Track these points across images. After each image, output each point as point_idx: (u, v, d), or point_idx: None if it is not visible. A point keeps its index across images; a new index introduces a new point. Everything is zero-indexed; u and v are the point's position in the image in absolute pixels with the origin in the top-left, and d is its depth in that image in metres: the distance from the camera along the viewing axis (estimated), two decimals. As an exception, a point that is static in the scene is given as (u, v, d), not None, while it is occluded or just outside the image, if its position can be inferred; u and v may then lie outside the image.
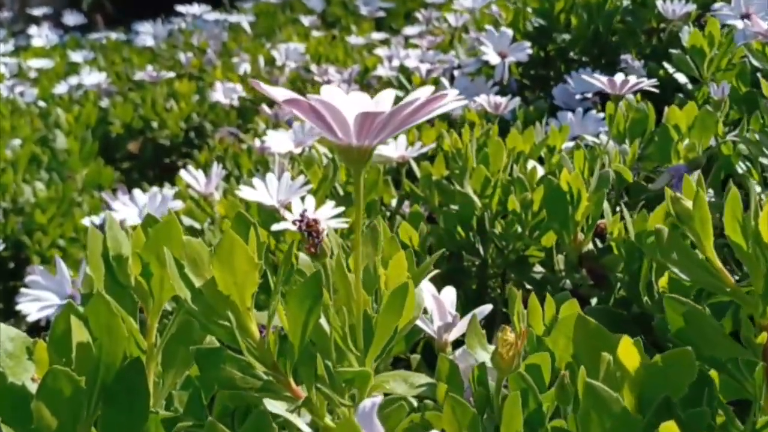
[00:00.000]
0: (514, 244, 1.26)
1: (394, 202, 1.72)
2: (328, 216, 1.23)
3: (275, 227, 1.17)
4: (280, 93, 0.55)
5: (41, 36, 4.47)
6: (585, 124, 1.78)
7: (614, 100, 1.43)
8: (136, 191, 1.72)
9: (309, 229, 0.70)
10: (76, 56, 3.86)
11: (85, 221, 1.71)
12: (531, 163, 1.39)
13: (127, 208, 1.67)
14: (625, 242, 1.14)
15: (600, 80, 1.39)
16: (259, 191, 1.26)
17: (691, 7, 1.98)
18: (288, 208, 1.24)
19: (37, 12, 5.00)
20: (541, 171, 1.38)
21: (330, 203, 1.26)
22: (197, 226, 1.64)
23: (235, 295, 0.70)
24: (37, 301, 1.23)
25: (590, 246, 1.25)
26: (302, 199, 1.24)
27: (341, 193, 1.53)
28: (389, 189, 1.74)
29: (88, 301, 0.80)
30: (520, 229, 1.26)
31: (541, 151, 1.48)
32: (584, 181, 1.20)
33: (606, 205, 1.22)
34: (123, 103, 3.18)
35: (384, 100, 0.65)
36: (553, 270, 1.26)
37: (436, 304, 0.92)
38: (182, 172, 1.64)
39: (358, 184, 0.62)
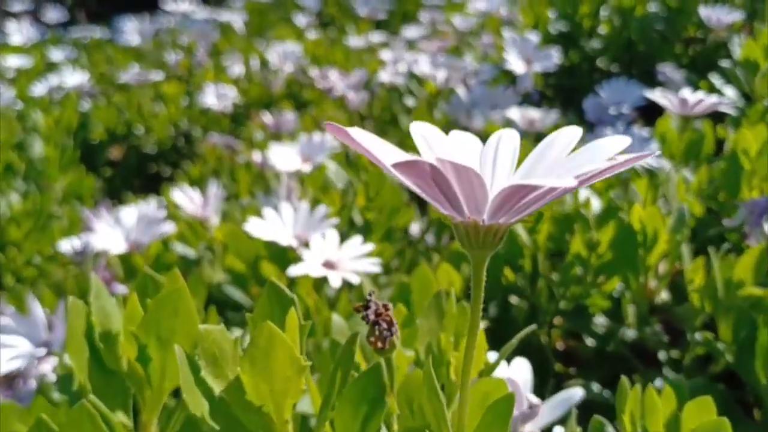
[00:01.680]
0: (572, 290, 1.07)
1: (414, 227, 1.53)
2: (355, 255, 1.03)
3: (293, 271, 0.97)
4: (384, 151, 0.36)
5: (20, 33, 4.22)
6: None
7: (682, 123, 1.24)
8: (122, 211, 1.51)
9: (379, 319, 0.50)
10: (56, 55, 3.62)
11: (63, 246, 1.50)
12: (584, 192, 1.20)
13: (111, 231, 1.46)
14: (724, 299, 0.95)
15: (668, 98, 1.20)
16: (271, 225, 1.05)
17: (738, 16, 1.80)
18: (306, 243, 1.05)
19: (16, 7, 4.75)
20: (595, 202, 1.20)
21: (356, 239, 1.06)
22: (191, 254, 1.43)
23: (271, 406, 0.50)
24: (7, 349, 1.03)
25: (664, 295, 1.06)
26: (323, 234, 1.04)
27: (359, 220, 1.33)
28: (410, 211, 1.55)
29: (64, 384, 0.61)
30: (580, 273, 1.06)
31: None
32: (662, 219, 1.01)
33: (685, 247, 1.03)
34: (106, 106, 2.96)
35: (505, 151, 0.46)
36: (617, 321, 1.08)
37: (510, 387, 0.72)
38: (175, 193, 1.43)
39: (479, 276, 0.42)
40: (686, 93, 1.23)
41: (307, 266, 0.98)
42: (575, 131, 0.46)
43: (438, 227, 1.43)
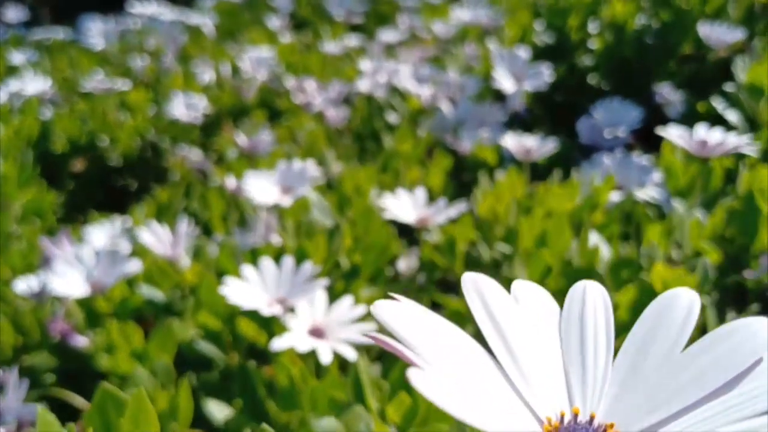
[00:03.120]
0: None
1: (402, 264, 1.42)
2: (346, 319, 0.92)
3: (277, 345, 0.86)
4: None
5: (-23, 31, 4.01)
6: (627, 172, 1.50)
7: (701, 162, 1.15)
8: (83, 248, 1.38)
9: None
10: (17, 57, 3.44)
11: (19, 286, 1.36)
12: (594, 238, 1.10)
13: (72, 271, 1.33)
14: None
15: (685, 139, 1.10)
16: (251, 287, 0.94)
17: (739, 35, 1.72)
18: (290, 308, 0.93)
19: (-26, 3, 4.52)
20: (604, 249, 1.10)
21: (347, 300, 0.94)
22: (159, 298, 1.30)
23: None
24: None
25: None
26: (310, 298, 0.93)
27: (346, 264, 1.22)
28: (397, 245, 1.44)
29: None
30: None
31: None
32: (686, 279, 0.92)
33: (710, 312, 0.94)
34: (69, 114, 2.80)
35: (596, 327, 0.35)
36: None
37: None
38: (143, 234, 1.30)
39: None
40: (703, 132, 1.13)
41: (293, 338, 0.87)
42: (688, 308, 0.35)
43: (430, 267, 1.32)
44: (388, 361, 1.05)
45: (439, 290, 1.32)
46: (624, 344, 0.35)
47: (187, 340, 1.11)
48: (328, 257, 1.14)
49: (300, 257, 1.09)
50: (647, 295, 0.92)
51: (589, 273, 1.01)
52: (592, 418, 0.32)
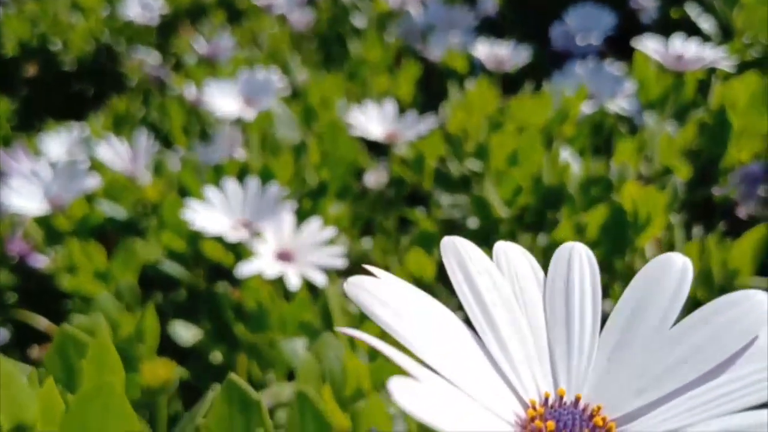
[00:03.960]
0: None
1: (369, 178, 1.40)
2: (315, 242, 0.90)
3: (244, 270, 0.84)
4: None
5: None
6: (599, 81, 1.47)
7: (675, 75, 1.12)
8: (41, 164, 1.33)
9: None
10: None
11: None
12: (565, 154, 1.09)
13: (29, 186, 1.29)
14: (720, 287, 0.87)
15: (660, 53, 1.07)
16: (215, 211, 0.91)
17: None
18: (256, 231, 0.91)
19: None
20: (575, 165, 1.08)
21: (315, 222, 0.92)
22: (121, 214, 1.26)
23: None
24: None
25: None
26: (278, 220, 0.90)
27: (313, 180, 1.19)
28: (365, 159, 1.41)
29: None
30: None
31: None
32: (656, 200, 0.91)
33: (678, 231, 0.94)
34: (18, 16, 2.64)
35: (582, 298, 0.33)
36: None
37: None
38: (101, 150, 1.25)
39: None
40: (679, 45, 1.10)
41: (261, 263, 0.85)
42: (680, 277, 0.33)
43: (399, 182, 1.30)
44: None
45: (407, 205, 1.31)
46: (611, 315, 0.33)
47: (151, 260, 1.09)
48: (294, 175, 1.11)
49: (265, 176, 1.06)
50: (617, 215, 0.91)
51: (559, 191, 1.00)
52: (577, 400, 0.31)
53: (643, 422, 0.28)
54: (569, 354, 0.32)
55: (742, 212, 1.06)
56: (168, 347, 0.98)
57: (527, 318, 0.32)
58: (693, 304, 1.02)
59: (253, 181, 0.94)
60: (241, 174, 1.19)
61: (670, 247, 0.96)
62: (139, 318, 0.95)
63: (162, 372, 0.79)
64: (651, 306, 0.32)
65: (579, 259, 0.34)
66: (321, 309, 0.80)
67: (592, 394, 0.31)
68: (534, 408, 0.29)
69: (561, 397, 0.30)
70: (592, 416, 0.29)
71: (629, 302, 0.33)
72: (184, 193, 1.23)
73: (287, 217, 0.91)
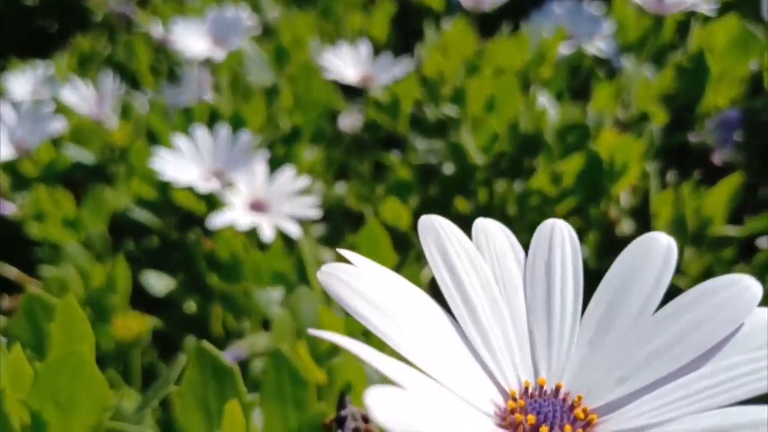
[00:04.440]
0: (527, 221, 0.97)
1: (344, 122, 1.37)
2: (289, 191, 0.88)
3: (216, 222, 0.82)
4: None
5: None
6: (577, 22, 1.44)
7: (655, 18, 1.10)
8: (5, 106, 1.29)
9: None
10: None
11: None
12: (542, 99, 1.07)
13: (-9, 130, 1.25)
14: (693, 234, 0.88)
15: (642, -4, 1.05)
16: (185, 159, 0.88)
17: None
18: (228, 182, 0.89)
19: None
20: (551, 108, 1.07)
21: (288, 171, 0.91)
22: (88, 159, 1.23)
23: None
24: None
25: (626, 226, 0.98)
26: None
27: (286, 127, 1.16)
28: (339, 102, 1.39)
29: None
30: (535, 203, 0.96)
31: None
32: (633, 148, 0.91)
33: (653, 180, 0.94)
34: (-30, -55, 2.52)
35: (564, 281, 0.32)
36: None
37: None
38: (66, 93, 1.21)
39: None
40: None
41: (234, 214, 0.83)
42: (664, 259, 0.32)
43: (374, 126, 1.28)
44: (333, 237, 1.04)
45: (382, 149, 1.29)
46: (593, 298, 0.32)
47: (121, 208, 1.06)
48: (267, 120, 1.08)
49: (237, 121, 1.03)
50: (594, 163, 0.91)
51: (536, 139, 0.99)
52: (557, 389, 0.30)
53: (624, 413, 0.28)
54: (550, 339, 0.31)
55: (717, 159, 1.06)
56: (140, 297, 0.97)
57: (507, 301, 0.31)
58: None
59: (223, 129, 0.91)
60: (211, 118, 1.16)
61: (645, 195, 0.96)
62: (110, 268, 0.93)
63: (134, 325, 0.79)
64: (633, 290, 0.31)
65: (561, 239, 0.33)
66: (296, 261, 0.79)
67: (572, 382, 0.30)
68: (514, 399, 0.28)
69: (541, 387, 0.30)
70: (573, 407, 0.28)
71: (612, 285, 0.32)
72: (152, 137, 1.20)
73: (260, 167, 0.89)
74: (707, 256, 0.92)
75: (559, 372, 0.30)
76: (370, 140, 1.29)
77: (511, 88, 1.02)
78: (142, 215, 1.07)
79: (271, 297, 0.88)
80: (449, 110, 1.09)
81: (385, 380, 0.54)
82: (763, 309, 0.29)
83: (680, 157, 1.13)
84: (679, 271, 0.96)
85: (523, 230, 1.00)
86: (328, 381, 0.67)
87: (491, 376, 0.29)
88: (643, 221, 0.97)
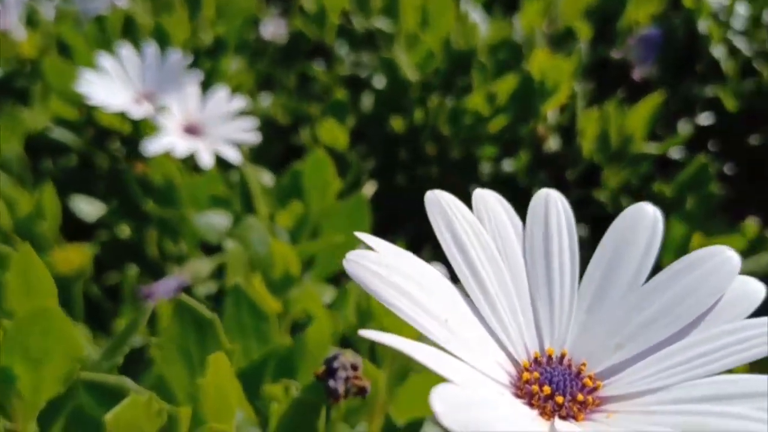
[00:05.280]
0: (460, 139, 0.99)
1: (266, 30, 1.32)
2: (225, 114, 0.86)
3: (151, 148, 0.80)
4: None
5: None
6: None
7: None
8: None
9: (349, 388, 0.40)
10: None
11: None
12: (474, 14, 1.07)
13: None
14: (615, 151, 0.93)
15: None
16: (112, 82, 0.84)
17: None
18: (159, 105, 0.85)
19: None
20: (482, 24, 1.08)
21: (222, 91, 0.88)
22: (-5, 73, 1.14)
23: None
24: None
25: (553, 143, 1.01)
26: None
27: (209, 39, 1.11)
28: (262, 9, 1.34)
29: None
30: (469, 122, 0.98)
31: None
32: (564, 68, 0.93)
33: (580, 100, 0.97)
34: None
35: (560, 244, 0.34)
36: (506, 169, 1.03)
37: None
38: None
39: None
40: None
41: (169, 139, 0.81)
42: (652, 230, 0.34)
43: (300, 37, 1.24)
44: (262, 153, 1.03)
45: (309, 60, 1.26)
46: (589, 267, 0.34)
47: (38, 128, 1.01)
48: (191, 34, 1.03)
49: (159, 35, 0.98)
50: (527, 84, 0.93)
51: (469, 56, 1.00)
52: (563, 356, 0.33)
53: (622, 379, 0.31)
54: (551, 307, 0.33)
55: (637, 75, 1.10)
56: (71, 224, 0.94)
57: (510, 272, 0.33)
58: (590, 167, 1.08)
59: (150, 47, 0.87)
60: (128, 29, 1.09)
61: (572, 112, 0.99)
62: (38, 194, 0.90)
63: (75, 257, 0.77)
64: (625, 260, 0.34)
65: (556, 210, 0.35)
66: (240, 189, 0.78)
67: (574, 348, 0.33)
68: (527, 369, 0.31)
69: (549, 356, 0.32)
70: (579, 374, 0.31)
71: (605, 254, 0.34)
72: (64, 49, 1.12)
73: (192, 87, 0.86)
74: (626, 171, 0.97)
75: (562, 339, 0.33)
76: (296, 51, 1.26)
77: (445, 2, 1.02)
78: (64, 135, 1.02)
79: (210, 221, 0.88)
80: (380, 23, 1.07)
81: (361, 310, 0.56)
82: (742, 277, 0.32)
83: (602, 72, 1.16)
84: (599, 185, 1.02)
85: (457, 148, 1.02)
86: (284, 311, 0.69)
87: (503, 346, 0.31)
88: (569, 138, 1.01)
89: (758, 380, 0.27)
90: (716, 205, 0.89)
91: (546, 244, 0.34)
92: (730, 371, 0.29)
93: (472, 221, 0.33)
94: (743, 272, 0.68)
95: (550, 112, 1.01)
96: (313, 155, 0.77)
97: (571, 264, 0.34)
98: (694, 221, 0.79)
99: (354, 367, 0.40)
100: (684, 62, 1.20)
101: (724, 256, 0.32)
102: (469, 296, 0.32)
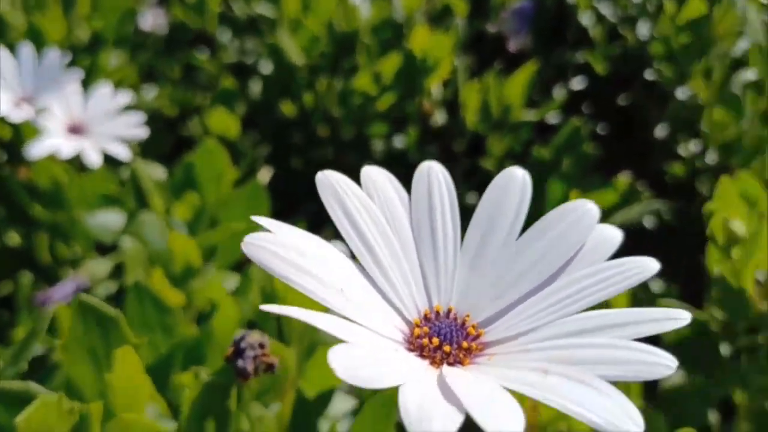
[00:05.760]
0: (351, 119, 1.01)
1: (146, 21, 1.30)
2: (110, 111, 0.85)
3: (35, 151, 0.78)
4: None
5: None
6: None
7: None
8: None
9: (258, 366, 0.41)
10: None
11: None
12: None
13: None
14: (497, 120, 0.98)
15: None
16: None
17: None
18: (40, 108, 0.83)
19: None
20: (363, 5, 1.10)
21: (105, 88, 0.86)
22: None
23: None
24: None
25: (440, 118, 1.05)
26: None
27: (86, 35, 1.08)
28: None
29: None
30: (358, 102, 1.00)
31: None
32: (445, 44, 0.97)
33: (461, 75, 1.02)
34: None
35: (443, 209, 0.36)
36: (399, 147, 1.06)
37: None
38: None
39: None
40: None
41: (53, 141, 0.79)
42: (521, 192, 0.37)
43: (182, 27, 1.22)
44: (150, 147, 1.01)
45: (192, 49, 1.25)
46: (469, 229, 0.37)
47: None
48: (67, 31, 1.00)
49: (34, 35, 0.95)
50: (409, 61, 0.96)
51: (352, 37, 1.02)
52: (449, 311, 0.36)
53: (501, 325, 0.34)
54: (437, 269, 0.36)
55: (513, 46, 1.16)
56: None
57: (399, 242, 0.36)
58: (475, 137, 1.13)
59: (26, 47, 0.84)
60: (-2, 28, 1.05)
61: (455, 88, 1.03)
62: None
63: (-38, 270, 0.74)
64: (500, 219, 0.37)
65: (437, 181, 0.38)
66: (132, 186, 0.77)
67: (459, 303, 0.36)
68: (418, 326, 0.34)
69: (437, 312, 0.35)
70: (464, 325, 0.34)
71: (483, 216, 0.37)
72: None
73: (73, 86, 0.84)
74: (508, 138, 1.02)
75: (448, 296, 0.36)
76: (178, 42, 1.24)
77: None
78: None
79: (103, 221, 0.86)
80: (263, 9, 1.07)
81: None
82: (602, 225, 0.36)
83: (480, 46, 1.21)
84: (485, 153, 1.06)
85: (348, 129, 1.04)
86: (188, 302, 0.69)
87: (396, 309, 0.34)
88: (454, 111, 1.05)
89: (621, 313, 0.31)
90: (591, 164, 0.95)
91: (430, 213, 0.37)
92: (603, 306, 0.32)
93: (362, 197, 0.35)
94: (616, 223, 0.75)
95: (435, 87, 1.05)
96: (205, 145, 0.77)
97: (454, 229, 0.37)
98: (571, 180, 0.85)
99: (261, 346, 0.41)
100: (555, 31, 1.27)
101: (585, 208, 0.36)
102: (364, 267, 0.34)
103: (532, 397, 0.27)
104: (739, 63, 0.95)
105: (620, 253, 0.36)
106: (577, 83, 1.21)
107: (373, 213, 0.35)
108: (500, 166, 1.05)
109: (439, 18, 1.13)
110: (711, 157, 0.95)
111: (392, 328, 0.33)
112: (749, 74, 0.91)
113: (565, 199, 0.83)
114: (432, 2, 1.18)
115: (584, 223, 0.35)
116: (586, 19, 1.20)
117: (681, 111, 0.98)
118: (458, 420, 0.25)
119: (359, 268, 0.34)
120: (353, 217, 0.34)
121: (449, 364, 0.32)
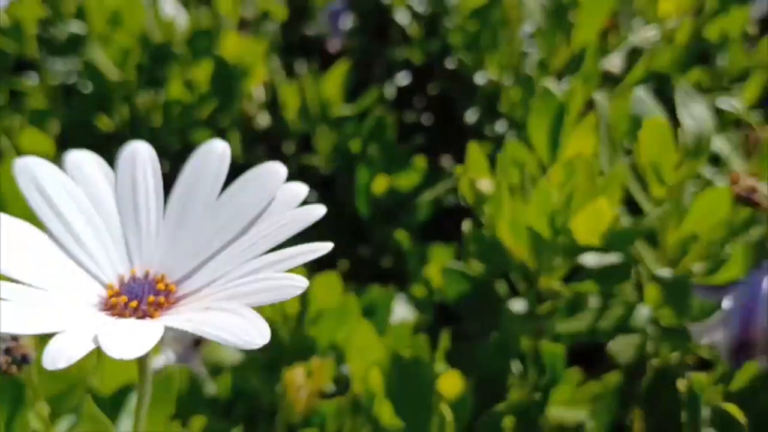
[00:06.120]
0: (174, 129, 1.03)
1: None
2: None
3: None
4: None
5: None
6: None
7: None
8: None
9: (11, 361, 0.43)
10: None
11: None
12: (168, 8, 1.11)
13: None
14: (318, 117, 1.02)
15: None
16: None
17: None
18: None
19: None
20: (180, 15, 1.12)
21: None
22: None
23: None
24: None
25: (263, 120, 1.09)
26: None
27: None
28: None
29: None
30: (178, 112, 1.02)
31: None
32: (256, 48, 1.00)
33: (278, 75, 1.06)
34: None
35: (145, 185, 0.40)
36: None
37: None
38: None
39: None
40: None
41: None
42: (220, 160, 0.41)
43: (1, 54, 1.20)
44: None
45: (15, 75, 1.23)
46: (170, 198, 0.41)
47: None
48: None
49: None
50: (222, 67, 0.99)
51: (168, 48, 1.04)
52: (147, 274, 0.39)
53: (194, 279, 0.38)
54: (140, 238, 0.40)
55: (332, 47, 1.21)
56: None
57: (103, 216, 0.40)
58: (303, 136, 1.17)
59: None
60: None
61: (274, 89, 1.07)
62: None
63: None
64: (201, 185, 0.41)
65: (141, 157, 0.42)
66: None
67: (160, 266, 0.40)
68: (112, 288, 0.37)
69: (134, 276, 0.39)
70: (156, 283, 0.38)
71: (184, 184, 0.42)
72: None
73: None
74: (333, 133, 1.07)
75: (150, 261, 0.40)
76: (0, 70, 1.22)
77: (135, 2, 1.04)
78: None
79: None
80: (75, 27, 1.08)
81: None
82: (288, 184, 0.41)
83: (303, 49, 1.25)
84: (313, 150, 1.11)
85: (172, 138, 1.06)
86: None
87: (96, 278, 0.38)
88: (276, 112, 1.09)
89: (280, 252, 0.35)
90: (406, 152, 1.01)
91: (134, 189, 0.41)
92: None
93: (62, 179, 0.39)
94: (425, 201, 0.81)
95: (256, 91, 1.08)
96: (7, 163, 0.77)
97: (156, 200, 0.41)
98: (377, 166, 0.90)
99: (14, 338, 0.43)
100: (380, 31, 1.33)
101: (273, 169, 0.41)
102: (66, 246, 0.38)
103: (191, 330, 0.30)
104: (529, 46, 1.04)
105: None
106: (402, 78, 1.28)
107: (72, 190, 0.39)
108: (329, 162, 1.10)
109: (258, 24, 1.16)
110: (512, 134, 1.03)
111: (92, 295, 0.37)
112: (535, 55, 0.99)
113: (371, 182, 0.88)
114: (252, 10, 1.22)
115: (272, 182, 0.40)
116: (402, 16, 1.26)
117: (483, 95, 1.05)
118: (76, 354, 0.28)
119: (60, 247, 0.38)
120: (50, 198, 0.38)
121: (139, 318, 0.36)
